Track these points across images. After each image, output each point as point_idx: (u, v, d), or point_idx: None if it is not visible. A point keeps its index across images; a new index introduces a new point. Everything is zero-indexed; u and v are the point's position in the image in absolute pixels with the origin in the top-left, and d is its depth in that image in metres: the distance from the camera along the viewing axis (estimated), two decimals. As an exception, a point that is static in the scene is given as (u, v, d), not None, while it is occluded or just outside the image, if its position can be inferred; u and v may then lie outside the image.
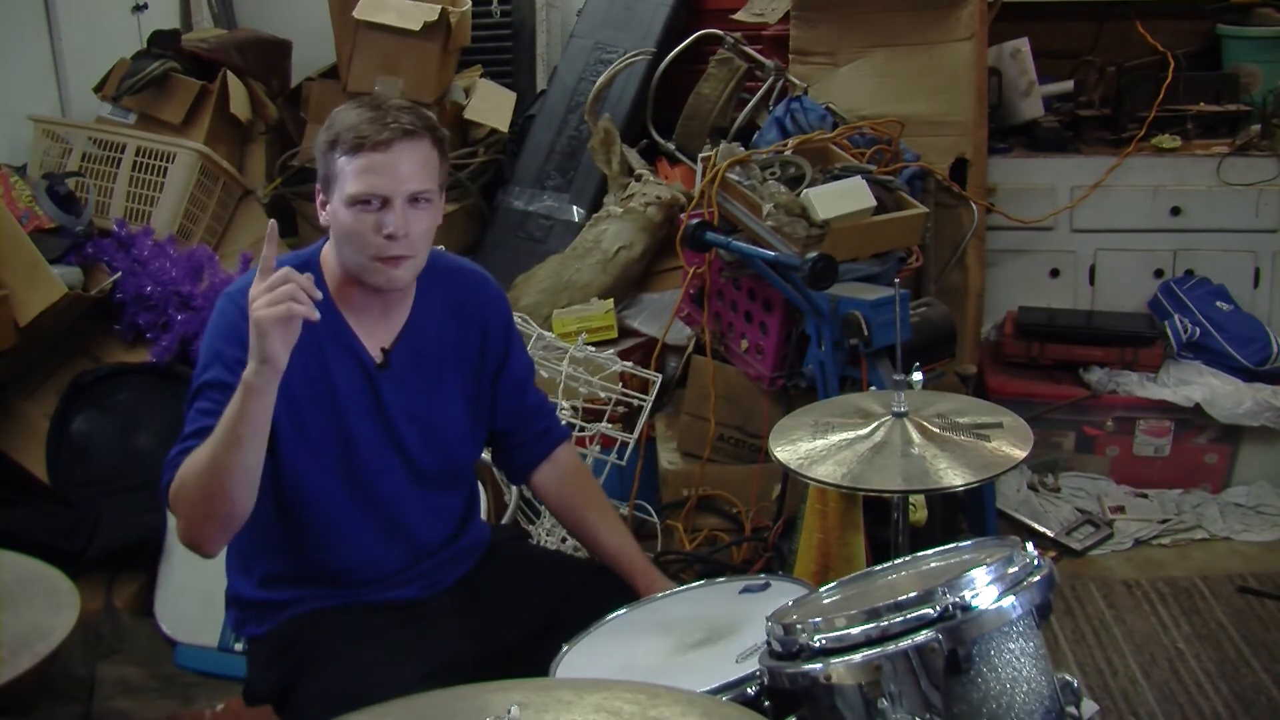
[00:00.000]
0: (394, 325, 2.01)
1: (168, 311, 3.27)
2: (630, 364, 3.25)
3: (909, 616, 1.46)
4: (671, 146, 3.99)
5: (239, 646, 2.94)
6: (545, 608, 2.06)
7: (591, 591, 2.06)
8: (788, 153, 3.32)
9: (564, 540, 3.15)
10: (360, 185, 1.84)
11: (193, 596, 2.98)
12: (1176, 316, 3.67)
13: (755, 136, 3.63)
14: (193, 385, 1.92)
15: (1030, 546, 1.58)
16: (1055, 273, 3.88)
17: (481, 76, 4.46)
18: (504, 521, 3.11)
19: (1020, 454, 1.90)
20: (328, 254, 1.98)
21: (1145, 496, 3.60)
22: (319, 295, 1.72)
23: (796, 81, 3.68)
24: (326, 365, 1.95)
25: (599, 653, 1.84)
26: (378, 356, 1.99)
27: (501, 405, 2.14)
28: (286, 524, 1.98)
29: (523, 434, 2.18)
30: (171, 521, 3.04)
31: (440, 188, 1.94)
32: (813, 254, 2.84)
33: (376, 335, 2.00)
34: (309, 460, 1.95)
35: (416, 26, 3.88)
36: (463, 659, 1.94)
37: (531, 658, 1.90)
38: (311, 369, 1.94)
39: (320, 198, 1.92)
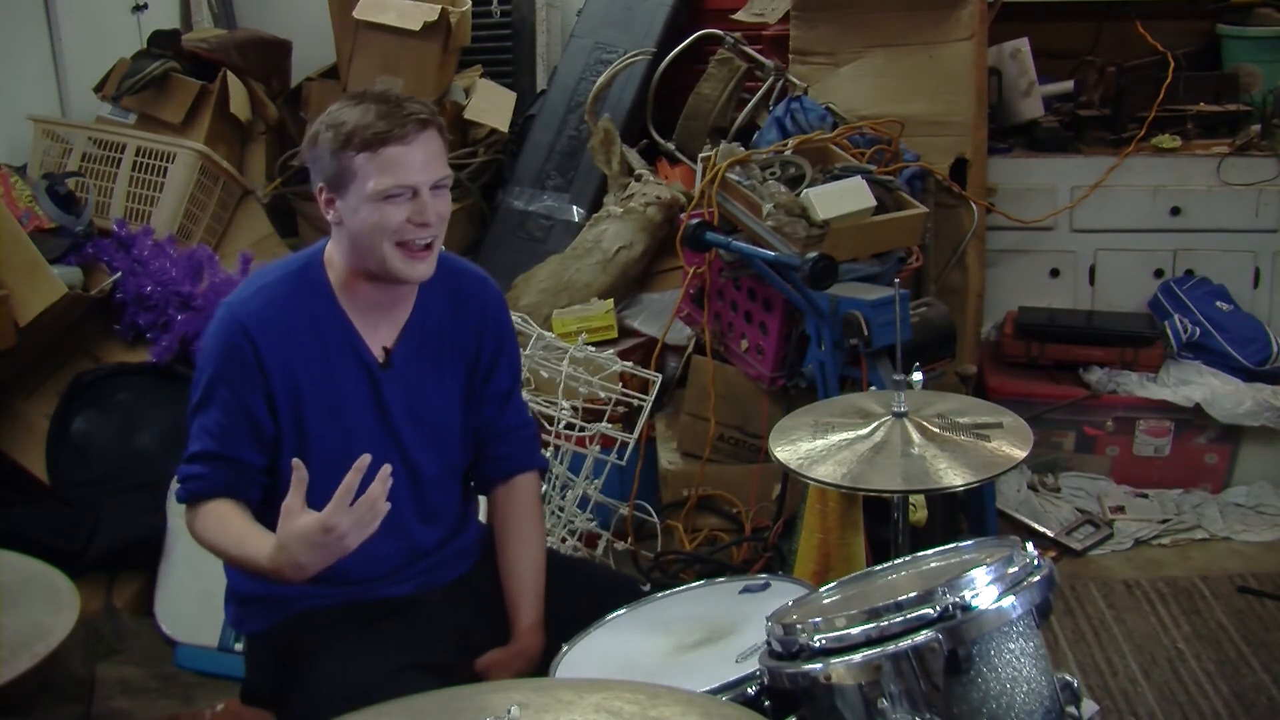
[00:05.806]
0: (397, 323, 2.01)
1: (168, 311, 3.28)
2: (630, 364, 3.24)
3: (909, 616, 1.46)
4: (671, 146, 3.98)
5: (239, 646, 2.94)
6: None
7: (591, 592, 2.06)
8: (788, 153, 3.32)
9: (563, 541, 3.15)
10: (388, 180, 1.85)
11: (193, 596, 2.97)
12: (1176, 316, 3.67)
13: (755, 136, 3.62)
14: (193, 396, 1.94)
15: (1030, 546, 1.58)
16: (1055, 273, 3.88)
17: (481, 76, 4.46)
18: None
19: (1020, 454, 1.90)
20: (331, 253, 1.98)
21: (1145, 496, 3.60)
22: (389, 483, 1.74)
23: (796, 81, 3.68)
24: (331, 366, 1.96)
25: (599, 653, 1.84)
26: (380, 356, 1.99)
27: (479, 412, 2.11)
28: None
29: (483, 449, 2.13)
30: (171, 522, 3.05)
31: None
32: (813, 254, 2.84)
33: (380, 334, 2.00)
34: (309, 463, 1.93)
35: (416, 26, 3.88)
36: (455, 654, 1.94)
37: None
38: (315, 371, 1.94)
39: (326, 196, 1.91)
